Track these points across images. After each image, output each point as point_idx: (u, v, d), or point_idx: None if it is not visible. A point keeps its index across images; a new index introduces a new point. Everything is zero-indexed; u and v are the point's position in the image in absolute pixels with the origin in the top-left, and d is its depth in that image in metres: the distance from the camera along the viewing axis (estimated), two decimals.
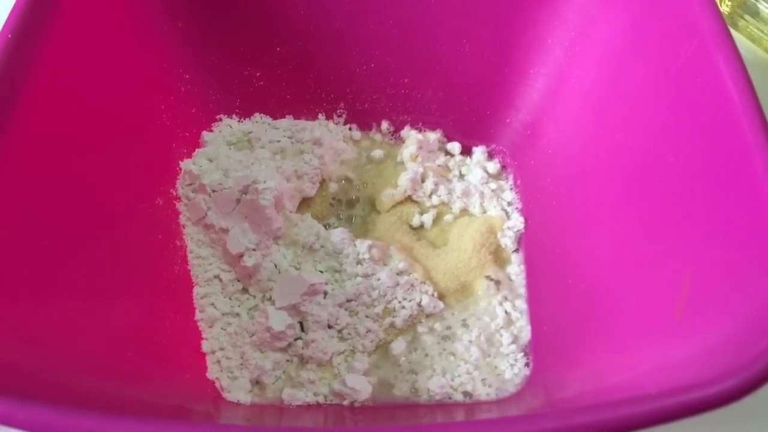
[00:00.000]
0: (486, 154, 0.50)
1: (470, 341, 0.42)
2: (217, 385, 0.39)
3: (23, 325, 0.29)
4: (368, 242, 0.44)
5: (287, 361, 0.41)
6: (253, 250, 0.42)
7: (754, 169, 0.28)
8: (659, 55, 0.35)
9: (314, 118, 0.50)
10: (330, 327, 0.41)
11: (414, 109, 0.50)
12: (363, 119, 0.51)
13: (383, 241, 0.45)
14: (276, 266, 0.43)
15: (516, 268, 0.45)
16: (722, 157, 0.30)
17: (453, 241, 0.46)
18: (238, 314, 0.42)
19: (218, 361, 0.40)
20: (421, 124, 0.50)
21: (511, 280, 0.45)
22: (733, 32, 0.32)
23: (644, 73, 0.37)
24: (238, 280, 0.43)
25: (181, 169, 0.45)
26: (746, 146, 0.28)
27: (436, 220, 0.47)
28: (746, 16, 0.53)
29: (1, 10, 0.32)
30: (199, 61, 0.46)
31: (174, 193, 0.44)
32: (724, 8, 0.53)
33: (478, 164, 0.49)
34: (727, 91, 0.30)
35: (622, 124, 0.38)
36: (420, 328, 0.42)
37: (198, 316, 0.41)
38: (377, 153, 0.50)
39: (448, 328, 0.43)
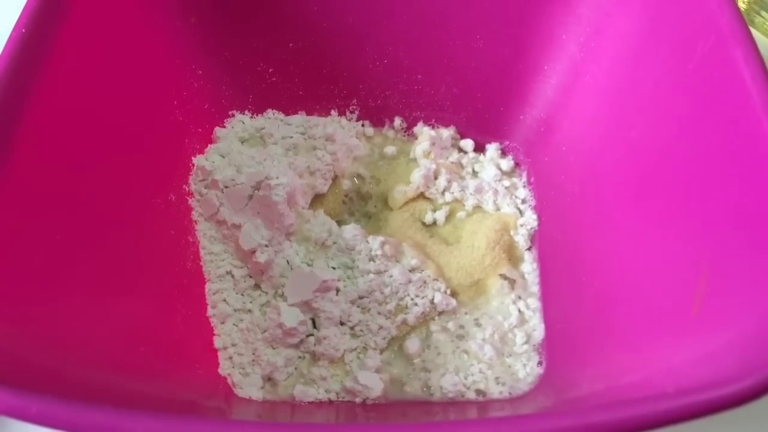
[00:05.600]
0: (499, 151, 0.49)
1: (483, 339, 0.41)
2: (228, 381, 0.39)
3: (36, 320, 0.29)
4: (381, 239, 0.43)
5: (299, 357, 0.41)
6: (266, 246, 0.42)
7: None
8: (676, 51, 0.35)
9: (327, 114, 0.50)
10: (342, 324, 0.41)
11: (427, 105, 0.50)
12: (376, 115, 0.51)
13: (396, 238, 0.45)
14: (288, 262, 0.42)
15: (529, 266, 0.45)
16: (739, 155, 0.30)
17: (466, 238, 0.45)
18: (250, 310, 0.42)
19: (230, 357, 0.40)
20: (434, 120, 0.50)
21: (524, 278, 0.44)
22: (750, 29, 0.32)
23: (660, 69, 0.36)
24: (251, 276, 0.43)
25: (193, 165, 0.45)
26: (765, 143, 0.28)
27: (449, 217, 0.47)
28: (763, 13, 0.52)
29: (15, 5, 0.32)
30: (212, 57, 0.46)
31: (186, 189, 0.44)
32: (741, 4, 0.53)
33: (492, 161, 0.49)
34: (745, 88, 0.29)
35: (638, 121, 0.38)
36: (433, 327, 0.42)
37: (210, 312, 0.41)
38: (390, 149, 0.50)
39: (461, 326, 0.42)
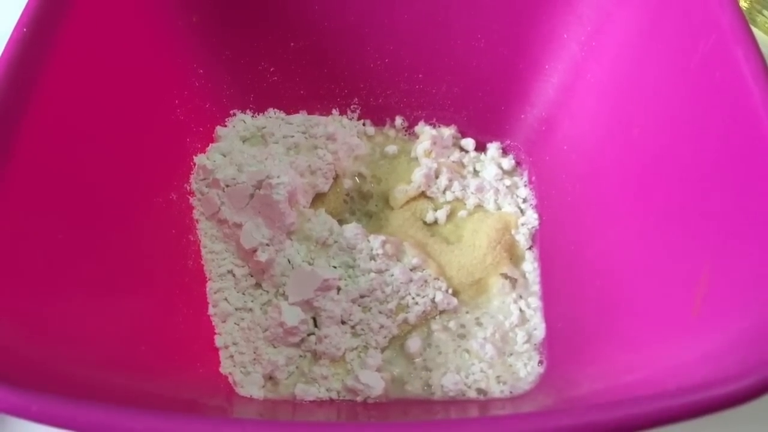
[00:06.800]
0: (500, 151, 0.49)
1: (484, 339, 0.41)
2: (230, 380, 0.39)
3: (37, 318, 0.29)
4: (382, 238, 0.43)
5: (300, 356, 0.41)
6: (267, 245, 0.42)
7: None
8: (677, 50, 0.35)
9: (328, 113, 0.50)
10: (343, 323, 0.41)
11: (428, 104, 0.50)
12: (377, 114, 0.50)
13: (397, 237, 0.45)
14: (289, 261, 0.42)
15: (530, 266, 0.45)
16: (740, 154, 0.30)
17: (467, 237, 0.45)
18: (251, 309, 0.42)
19: (231, 356, 0.40)
20: (435, 119, 0.50)
21: (525, 277, 0.44)
22: (752, 28, 0.32)
23: (662, 68, 0.36)
24: (252, 275, 0.43)
25: (194, 164, 0.45)
26: (765, 142, 0.28)
27: (450, 216, 0.47)
28: (765, 12, 0.52)
29: (16, 5, 0.32)
30: (214, 56, 0.46)
31: (188, 188, 0.44)
32: (743, 3, 0.52)
33: (493, 160, 0.49)
34: (746, 87, 0.29)
35: (639, 120, 0.38)
36: (434, 326, 0.42)
37: (211, 311, 0.41)
38: (391, 148, 0.50)
39: (462, 326, 0.42)
